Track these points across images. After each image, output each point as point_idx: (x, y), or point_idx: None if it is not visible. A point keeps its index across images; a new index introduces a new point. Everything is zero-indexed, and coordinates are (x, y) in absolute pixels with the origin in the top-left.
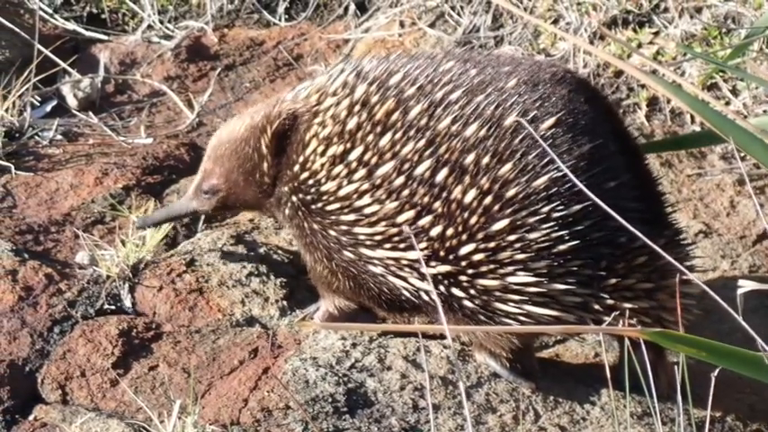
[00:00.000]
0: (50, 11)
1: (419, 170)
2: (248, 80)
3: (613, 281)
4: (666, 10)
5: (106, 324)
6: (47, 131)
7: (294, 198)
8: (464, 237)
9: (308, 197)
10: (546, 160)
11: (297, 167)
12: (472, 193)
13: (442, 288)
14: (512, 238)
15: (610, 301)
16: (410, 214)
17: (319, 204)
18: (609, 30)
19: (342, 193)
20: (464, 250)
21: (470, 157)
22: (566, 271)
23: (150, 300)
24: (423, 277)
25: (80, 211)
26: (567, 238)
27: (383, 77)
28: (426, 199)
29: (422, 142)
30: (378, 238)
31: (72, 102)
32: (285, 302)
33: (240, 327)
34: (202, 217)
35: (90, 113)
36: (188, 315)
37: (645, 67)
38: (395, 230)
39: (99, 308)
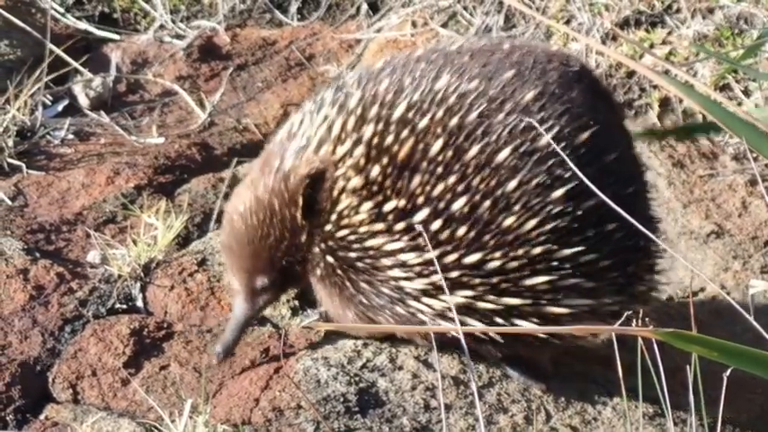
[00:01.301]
0: (62, 10)
1: (456, 206)
2: (260, 80)
3: (643, 287)
4: (679, 10)
5: (117, 323)
6: (58, 131)
7: (330, 258)
8: (527, 270)
9: (351, 254)
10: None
11: (330, 227)
12: (531, 222)
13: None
14: (568, 265)
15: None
16: (453, 257)
17: (368, 261)
18: (621, 30)
19: (388, 248)
20: (530, 282)
21: (512, 184)
22: (605, 284)
23: (162, 299)
24: (482, 316)
25: (92, 211)
26: (606, 256)
27: (385, 112)
28: (472, 234)
29: (452, 179)
30: (432, 291)
31: (84, 101)
32: (296, 302)
33: (252, 326)
34: (214, 216)
35: (102, 113)
36: (199, 314)
37: (657, 68)
38: (456, 273)
39: (110, 307)
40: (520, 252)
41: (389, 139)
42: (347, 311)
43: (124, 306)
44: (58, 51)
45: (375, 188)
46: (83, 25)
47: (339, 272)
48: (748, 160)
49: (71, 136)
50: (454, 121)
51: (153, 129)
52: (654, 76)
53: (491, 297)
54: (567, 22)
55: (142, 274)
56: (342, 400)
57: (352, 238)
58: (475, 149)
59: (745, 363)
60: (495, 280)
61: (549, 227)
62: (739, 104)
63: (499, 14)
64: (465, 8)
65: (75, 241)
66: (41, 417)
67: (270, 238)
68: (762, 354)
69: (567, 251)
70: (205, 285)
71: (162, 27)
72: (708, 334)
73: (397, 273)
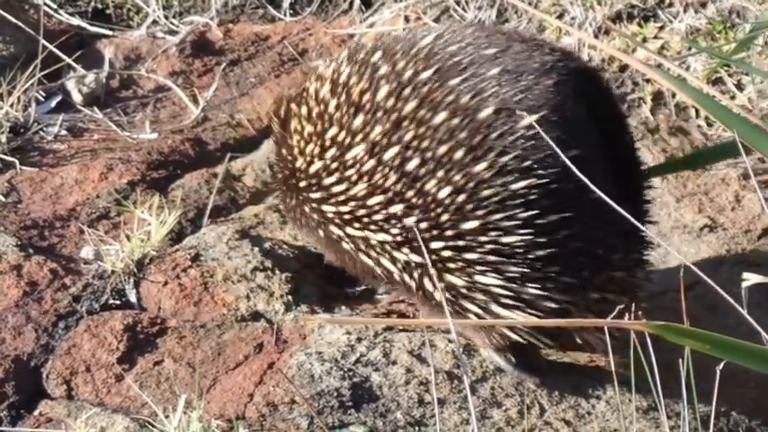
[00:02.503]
0: (55, 6)
1: (388, 155)
2: (253, 75)
3: (596, 295)
4: (671, 4)
5: (111, 319)
6: (51, 127)
7: (279, 175)
8: (435, 232)
9: (285, 173)
10: (527, 164)
11: (285, 151)
12: (447, 190)
13: (415, 275)
14: (483, 239)
15: (594, 309)
16: (380, 198)
17: (292, 181)
18: (614, 24)
19: (311, 170)
20: (434, 245)
21: (442, 149)
22: (542, 276)
23: (155, 295)
24: (393, 261)
25: (85, 207)
26: (543, 245)
27: (368, 57)
28: (399, 186)
29: (388, 125)
30: (346, 217)
31: (77, 97)
32: (290, 297)
33: (245, 321)
34: (207, 211)
35: (95, 109)
36: (193, 310)
37: (650, 62)
38: (363, 211)
39: (104, 303)
40: (432, 215)
41: (353, 78)
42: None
43: (118, 302)
44: (51, 47)
45: (326, 117)
46: (76, 21)
47: (282, 188)
48: (741, 153)
49: (64, 132)
50: (408, 73)
51: (146, 124)
52: (647, 69)
53: (405, 249)
54: (560, 17)
55: (135, 270)
56: (336, 394)
57: (289, 158)
58: (413, 104)
59: (738, 356)
60: (408, 235)
61: (460, 198)
62: (732, 98)
63: (492, 9)
64: (458, 2)
65: (69, 237)
66: (35, 413)
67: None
68: (754, 347)
69: (471, 224)
70: (199, 281)
71: (155, 23)
72: (701, 327)
73: (318, 195)
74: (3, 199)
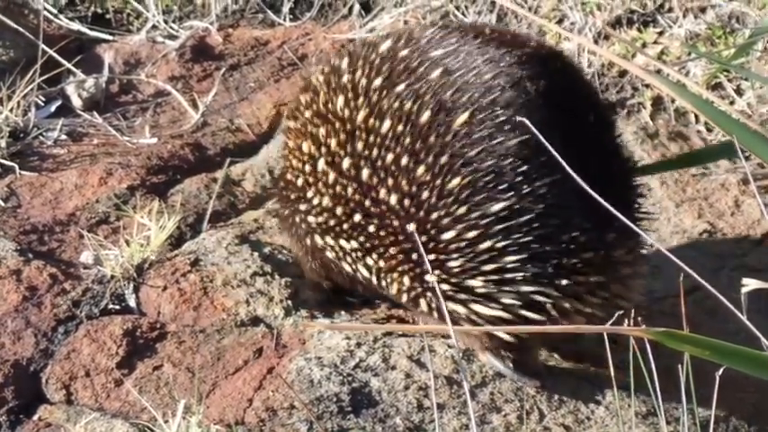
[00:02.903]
0: (55, 11)
1: (344, 166)
2: (253, 80)
3: (565, 282)
4: (671, 10)
5: (110, 324)
6: (51, 131)
7: (278, 185)
8: (392, 238)
9: (281, 184)
10: (461, 160)
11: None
12: (395, 197)
13: (387, 281)
14: (423, 239)
15: (566, 304)
16: (341, 209)
17: (284, 193)
18: (613, 29)
19: (299, 183)
20: (392, 251)
21: (390, 157)
22: (498, 268)
23: (155, 300)
24: (368, 269)
25: (84, 211)
26: (489, 237)
27: (337, 64)
28: (357, 197)
29: (342, 136)
30: (323, 227)
31: (76, 102)
32: (290, 302)
33: (245, 326)
34: (207, 216)
35: (94, 113)
36: (192, 315)
37: (649, 67)
38: (333, 222)
39: (103, 308)
40: (387, 222)
41: (322, 88)
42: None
43: (117, 306)
44: (51, 52)
45: (302, 130)
46: (75, 26)
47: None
48: (740, 159)
49: (64, 136)
50: (363, 81)
51: (146, 129)
52: (646, 75)
53: (374, 256)
54: (560, 22)
55: (135, 275)
56: (335, 399)
57: (280, 169)
58: (363, 113)
59: (738, 362)
60: (374, 243)
61: (406, 203)
62: (731, 103)
63: (491, 14)
64: (457, 8)
65: (68, 242)
66: (35, 417)
67: None
68: (754, 353)
69: (412, 226)
70: (198, 286)
71: (154, 27)
72: (700, 333)
73: (303, 207)
74: (2, 204)
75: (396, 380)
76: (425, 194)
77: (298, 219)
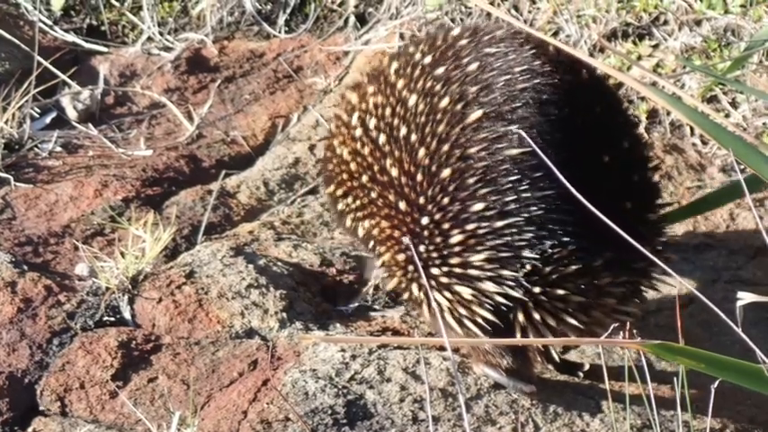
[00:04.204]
0: (50, 22)
1: (370, 125)
2: (248, 92)
3: (538, 289)
4: (666, 22)
5: (105, 336)
6: (46, 143)
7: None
8: (386, 211)
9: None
10: (459, 153)
11: None
12: (395, 170)
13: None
14: (407, 219)
15: (536, 314)
16: (354, 166)
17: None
18: (609, 42)
19: (333, 130)
20: (383, 224)
21: (404, 131)
22: (463, 262)
23: (150, 311)
24: (365, 232)
25: (79, 223)
26: (460, 230)
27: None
28: (370, 159)
29: (381, 99)
30: (338, 179)
31: (72, 113)
32: (284, 314)
33: (239, 338)
34: (202, 228)
35: (90, 125)
36: (187, 327)
37: (645, 80)
38: (345, 176)
39: (98, 320)
40: (385, 193)
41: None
42: None
43: (112, 318)
44: (46, 64)
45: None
46: (71, 38)
47: None
48: (735, 172)
49: (59, 148)
50: (417, 56)
51: (141, 141)
52: (641, 88)
53: (371, 222)
54: (555, 34)
55: (130, 287)
56: (330, 412)
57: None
58: (401, 83)
59: (733, 375)
60: (366, 210)
61: (404, 179)
62: (727, 116)
63: None
64: (453, 20)
65: (63, 254)
66: (29, 429)
67: None
68: (749, 366)
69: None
70: (193, 298)
71: (150, 39)
72: (696, 346)
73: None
74: None
75: (391, 392)
76: (420, 177)
77: (329, 165)
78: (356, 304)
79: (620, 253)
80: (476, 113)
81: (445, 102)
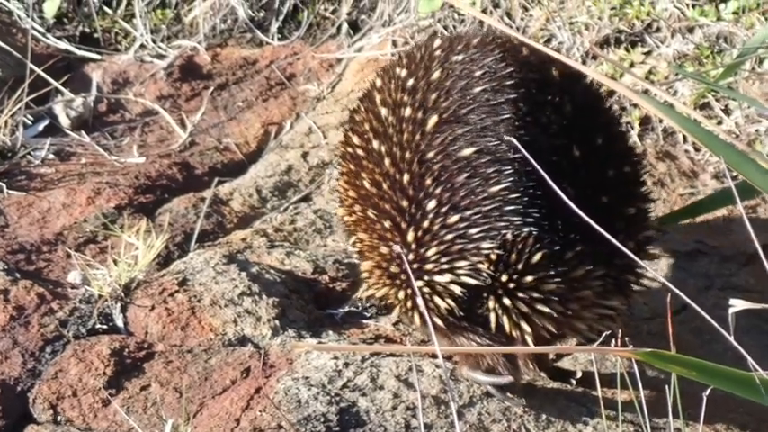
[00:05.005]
0: (43, 30)
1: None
2: (241, 99)
3: (505, 277)
4: (659, 30)
5: (98, 344)
6: (39, 151)
7: None
8: (373, 215)
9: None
10: (423, 156)
11: None
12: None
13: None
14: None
15: (506, 300)
16: (362, 152)
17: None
18: (601, 49)
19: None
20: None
21: (393, 134)
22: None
23: (142, 319)
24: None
25: (72, 231)
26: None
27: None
28: (372, 164)
29: (390, 98)
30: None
31: (64, 121)
32: (277, 322)
33: (232, 346)
34: (194, 236)
35: (82, 133)
36: (180, 334)
37: (637, 87)
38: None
39: (91, 327)
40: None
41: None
42: None
43: (105, 326)
44: (39, 71)
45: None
46: (63, 45)
47: None
48: (728, 179)
49: (52, 156)
50: (418, 55)
51: (134, 148)
52: (633, 95)
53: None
54: (548, 41)
55: (123, 295)
56: (322, 419)
57: None
58: (412, 82)
59: (724, 383)
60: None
61: (385, 186)
62: (719, 123)
63: None
64: (445, 27)
65: (56, 261)
66: None
67: None
68: (740, 374)
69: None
70: (186, 305)
71: (143, 47)
72: (688, 353)
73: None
74: None
75: (383, 400)
76: (385, 186)
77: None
78: (347, 308)
79: (595, 246)
80: (433, 119)
81: (408, 111)
